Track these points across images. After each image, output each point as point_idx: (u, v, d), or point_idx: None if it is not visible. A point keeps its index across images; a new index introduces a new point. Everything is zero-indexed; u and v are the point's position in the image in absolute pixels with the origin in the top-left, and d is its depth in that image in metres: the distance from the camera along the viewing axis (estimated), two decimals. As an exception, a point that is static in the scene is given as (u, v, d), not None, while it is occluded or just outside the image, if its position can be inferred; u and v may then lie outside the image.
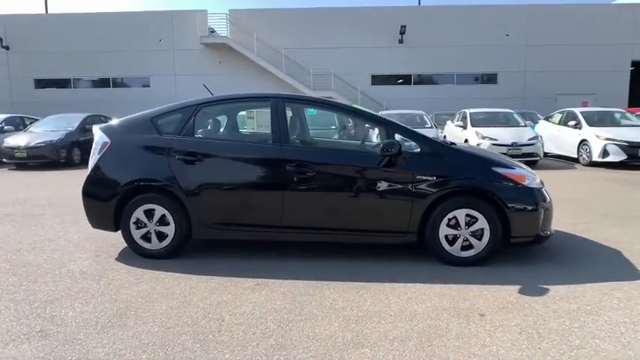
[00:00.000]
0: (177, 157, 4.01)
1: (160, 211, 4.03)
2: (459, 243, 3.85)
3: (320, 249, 4.28)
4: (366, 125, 4.28)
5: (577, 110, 12.39)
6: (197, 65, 22.60)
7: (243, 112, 4.94)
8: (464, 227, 3.82)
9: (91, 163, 4.18)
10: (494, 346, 2.57)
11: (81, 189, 4.22)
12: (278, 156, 3.91)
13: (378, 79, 22.99)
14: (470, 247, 3.85)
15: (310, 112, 4.51)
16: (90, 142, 12.67)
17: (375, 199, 3.88)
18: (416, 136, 3.97)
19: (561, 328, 2.76)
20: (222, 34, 22.12)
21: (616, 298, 3.20)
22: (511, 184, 3.81)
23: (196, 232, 4.07)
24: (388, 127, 3.97)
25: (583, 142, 11.35)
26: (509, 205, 3.76)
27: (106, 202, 4.10)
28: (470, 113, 12.93)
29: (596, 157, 10.77)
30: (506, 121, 12.71)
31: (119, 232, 4.24)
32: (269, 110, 4.01)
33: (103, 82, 23.61)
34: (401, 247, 4.22)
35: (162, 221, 4.05)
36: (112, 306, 3.12)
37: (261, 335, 2.70)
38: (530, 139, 11.15)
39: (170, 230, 4.06)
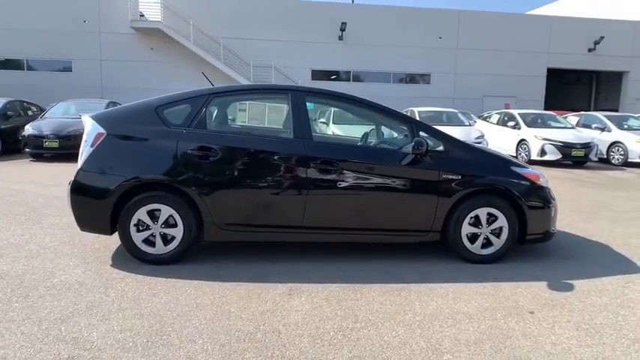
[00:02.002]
0: (188, 151, 3.61)
1: (166, 211, 3.61)
2: (479, 241, 3.90)
3: (332, 248, 4.12)
4: (390, 123, 4.17)
5: (515, 112, 13.32)
6: (126, 51, 20.96)
7: (239, 105, 4.59)
8: (485, 225, 3.88)
9: (82, 156, 3.63)
10: (563, 344, 2.61)
11: (69, 185, 3.66)
12: (301, 152, 3.67)
13: (318, 75, 22.95)
14: (489, 244, 3.92)
15: (309, 106, 4.29)
16: (14, 131, 11.24)
17: (400, 197, 3.81)
18: (440, 135, 3.95)
19: (610, 323, 2.89)
20: (156, 20, 20.70)
21: (636, 291, 3.42)
22: (528, 183, 3.93)
23: (209, 235, 3.71)
24: (413, 125, 3.91)
25: (522, 142, 12.22)
26: (528, 203, 3.88)
27: (101, 201, 3.59)
28: (418, 112, 13.35)
29: (534, 156, 11.64)
30: (450, 121, 13.29)
31: (109, 235, 3.77)
32: (264, 103, 3.76)
33: (14, 64, 21.04)
34: (408, 245, 4.18)
35: (168, 223, 3.64)
36: (142, 322, 2.72)
37: (331, 347, 2.51)
38: (477, 139, 11.77)
39: (177, 232, 3.65)
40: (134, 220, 3.60)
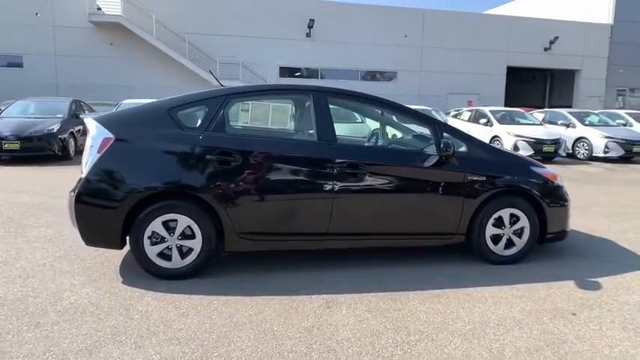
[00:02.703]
0: (207, 156, 3.35)
1: (183, 221, 3.34)
2: (502, 242, 3.88)
3: (350, 254, 3.98)
4: (413, 123, 4.05)
5: (486, 109, 13.64)
6: (84, 46, 19.84)
7: (246, 105, 4.33)
8: (508, 226, 3.86)
9: (88, 163, 3.29)
10: (618, 346, 2.60)
11: (71, 195, 3.31)
12: (326, 156, 3.50)
13: (286, 72, 22.70)
14: (511, 245, 3.91)
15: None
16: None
17: (427, 200, 3.72)
18: (463, 136, 3.89)
19: (652, 321, 2.92)
20: (116, 13, 19.69)
21: (661, 287, 3.50)
22: (548, 182, 3.94)
23: (230, 245, 3.48)
24: (436, 126, 3.81)
25: (494, 138, 12.53)
26: (548, 203, 3.89)
27: (112, 212, 3.28)
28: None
29: (508, 152, 12.01)
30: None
31: (119, 249, 3.46)
32: (271, 105, 3.57)
33: (-45, 59, 19.45)
34: (420, 248, 4.11)
35: (185, 234, 3.37)
36: (182, 348, 2.47)
37: (395, 364, 2.37)
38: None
39: (196, 244, 3.39)
40: (148, 233, 3.31)
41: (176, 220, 3.34)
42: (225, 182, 3.36)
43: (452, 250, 4.10)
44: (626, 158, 12.53)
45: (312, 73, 23.24)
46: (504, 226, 3.85)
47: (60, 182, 7.36)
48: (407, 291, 3.31)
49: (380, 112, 4.31)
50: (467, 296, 3.26)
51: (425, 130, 3.93)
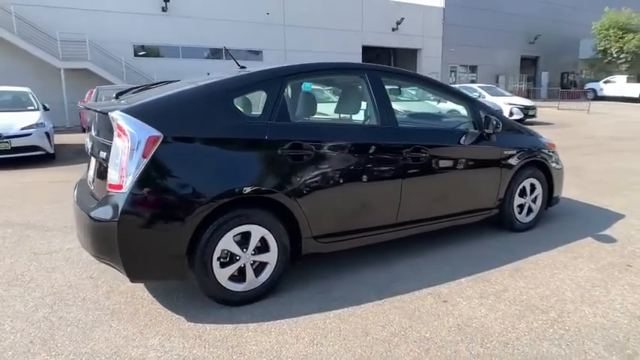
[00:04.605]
0: (279, 151, 2.78)
1: (257, 232, 2.75)
2: (525, 210, 4.15)
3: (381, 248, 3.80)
4: (455, 101, 3.93)
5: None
6: None
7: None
8: (529, 194, 4.14)
9: (127, 172, 2.43)
10: (691, 287, 3.02)
11: (112, 218, 2.43)
12: (394, 141, 3.23)
13: (143, 51, 20.28)
14: (530, 212, 4.21)
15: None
16: None
17: (476, 177, 3.77)
18: (493, 113, 3.96)
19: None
20: None
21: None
22: (551, 151, 4.32)
23: (306, 251, 2.99)
24: (474, 104, 3.83)
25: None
26: (555, 170, 4.28)
27: (172, 233, 2.52)
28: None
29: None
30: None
31: (181, 280, 2.70)
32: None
33: None
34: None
35: (258, 247, 2.79)
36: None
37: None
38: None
39: (271, 257, 2.83)
40: (217, 252, 2.64)
41: (249, 232, 2.72)
42: (300, 180, 2.85)
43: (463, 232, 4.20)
44: (521, 119, 15.62)
45: (171, 52, 21.24)
46: (526, 195, 4.12)
47: (60, 192, 5.39)
48: (487, 270, 3.31)
49: (426, 90, 4.14)
50: (536, 264, 3.40)
51: (461, 108, 3.91)
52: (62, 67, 17.20)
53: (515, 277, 3.18)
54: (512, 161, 3.91)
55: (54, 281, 3.18)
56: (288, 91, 3.11)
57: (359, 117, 3.51)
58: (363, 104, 3.32)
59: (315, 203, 2.91)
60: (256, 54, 23.56)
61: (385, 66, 3.55)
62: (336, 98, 5.69)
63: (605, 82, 30.11)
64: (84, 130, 14.02)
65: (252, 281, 2.79)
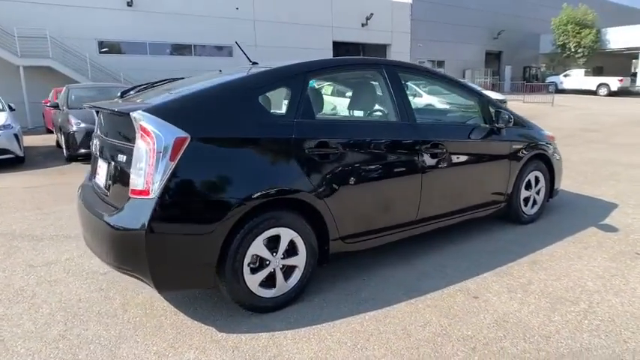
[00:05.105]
0: (306, 150, 2.68)
1: (286, 235, 2.65)
2: (530, 202, 4.21)
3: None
4: (465, 98, 3.90)
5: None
6: None
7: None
8: (534, 187, 4.20)
9: (157, 176, 2.27)
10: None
11: (139, 226, 2.26)
12: (414, 137, 3.19)
13: (107, 47, 19.49)
14: (534, 204, 4.27)
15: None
16: None
17: (488, 171, 3.79)
18: (503, 108, 3.97)
19: (687, 247, 3.60)
20: None
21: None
22: (552, 144, 4.40)
23: (333, 252, 2.91)
24: (484, 99, 3.84)
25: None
26: (556, 163, 4.37)
27: (204, 239, 2.38)
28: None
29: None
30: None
31: (209, 288, 2.56)
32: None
33: None
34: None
35: (287, 250, 2.69)
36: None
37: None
38: None
39: (299, 261, 2.74)
40: (248, 258, 2.52)
41: (278, 236, 2.62)
42: (327, 180, 2.76)
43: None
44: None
45: (137, 48, 20.53)
46: (530, 187, 4.18)
47: (38, 198, 4.97)
48: (507, 264, 3.33)
49: (441, 86, 4.11)
50: (551, 256, 3.45)
51: (471, 103, 3.91)
52: (21, 65, 16.31)
53: (535, 270, 3.22)
54: (520, 155, 3.95)
55: (60, 295, 2.97)
56: (310, 87, 3.00)
57: (379, 113, 3.45)
58: (382, 100, 3.26)
59: (342, 203, 2.83)
60: (227, 50, 23.13)
61: (402, 61, 3.50)
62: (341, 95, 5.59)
63: (565, 76, 31.33)
64: (48, 131, 13.36)
65: (281, 286, 2.69)
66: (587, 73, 31.01)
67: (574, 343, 2.32)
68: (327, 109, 4.35)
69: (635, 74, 34.27)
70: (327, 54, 25.96)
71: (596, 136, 10.55)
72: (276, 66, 2.88)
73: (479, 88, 3.77)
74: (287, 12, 24.01)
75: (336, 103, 5.19)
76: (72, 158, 8.36)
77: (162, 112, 2.36)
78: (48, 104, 9.73)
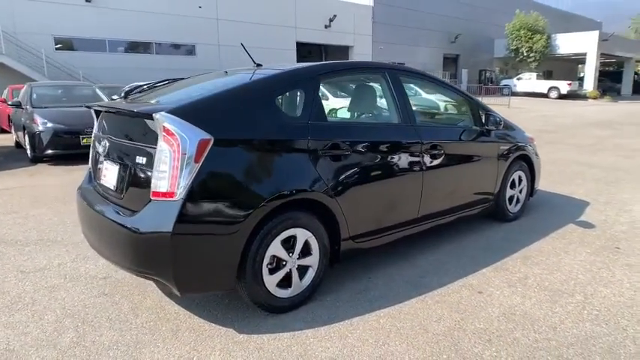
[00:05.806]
0: (320, 151, 2.72)
1: (302, 236, 2.68)
2: (514, 201, 4.44)
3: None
4: (459, 100, 4.05)
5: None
6: None
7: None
8: (517, 186, 4.43)
9: (182, 178, 2.25)
10: (675, 264, 3.43)
11: (164, 229, 2.23)
12: (416, 139, 3.30)
13: (65, 44, 18.64)
14: (517, 202, 4.51)
15: None
16: None
17: (480, 171, 3.96)
18: (492, 111, 4.15)
19: (658, 241, 3.91)
20: None
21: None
22: (532, 145, 4.65)
23: (344, 252, 2.97)
24: (474, 103, 4.01)
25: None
26: (536, 162, 4.62)
27: (227, 241, 2.38)
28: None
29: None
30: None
31: (228, 290, 2.56)
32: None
33: None
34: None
35: (302, 250, 2.73)
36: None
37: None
38: None
39: (313, 260, 2.79)
40: (267, 258, 2.54)
41: (295, 236, 2.65)
42: (339, 181, 2.82)
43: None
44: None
45: (96, 46, 19.77)
46: (515, 186, 4.41)
47: (9, 201, 4.58)
48: (501, 260, 3.50)
49: (436, 90, 4.23)
50: (540, 252, 3.67)
51: (463, 106, 4.08)
52: (-30, 61, 15.37)
53: (529, 265, 3.41)
54: (507, 155, 4.16)
55: (62, 301, 2.86)
56: (321, 90, 3.05)
57: (383, 115, 3.53)
58: (386, 103, 3.36)
59: (353, 203, 2.90)
60: (189, 49, 22.68)
61: (403, 66, 3.61)
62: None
63: (518, 79, 32.87)
64: (2, 131, 12.63)
65: (297, 286, 2.72)
66: (538, 77, 32.68)
67: (579, 332, 2.49)
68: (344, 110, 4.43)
69: (581, 78, 36.45)
70: (291, 55, 26.05)
71: (555, 137, 11.17)
72: (288, 68, 2.91)
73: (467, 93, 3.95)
74: (251, 12, 23.86)
75: (333, 105, 5.26)
76: (37, 159, 7.98)
77: (185, 113, 2.34)
78: (10, 102, 9.18)
